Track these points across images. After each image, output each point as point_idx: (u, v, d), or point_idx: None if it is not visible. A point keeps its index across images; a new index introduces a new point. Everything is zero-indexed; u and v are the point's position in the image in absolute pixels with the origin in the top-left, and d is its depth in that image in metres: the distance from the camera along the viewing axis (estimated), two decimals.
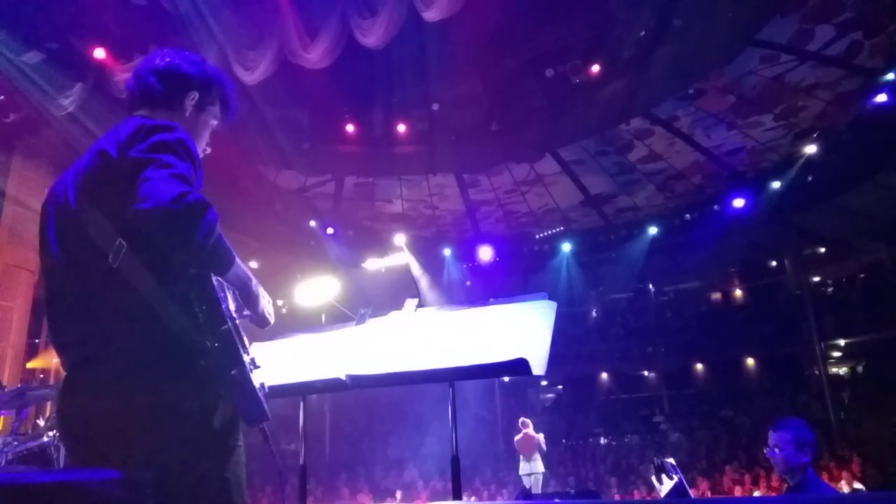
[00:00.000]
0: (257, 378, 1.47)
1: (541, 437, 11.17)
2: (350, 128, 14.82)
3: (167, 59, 1.81)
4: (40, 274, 1.67)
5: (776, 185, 15.30)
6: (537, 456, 11.01)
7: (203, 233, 1.37)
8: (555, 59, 13.69)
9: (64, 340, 1.55)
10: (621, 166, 16.17)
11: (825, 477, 10.70)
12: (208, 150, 1.91)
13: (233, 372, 1.42)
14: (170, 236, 1.36)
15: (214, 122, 1.89)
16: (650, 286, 22.55)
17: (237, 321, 1.50)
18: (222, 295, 1.48)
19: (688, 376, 21.52)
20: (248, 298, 1.63)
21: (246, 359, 1.46)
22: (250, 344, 1.56)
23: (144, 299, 1.42)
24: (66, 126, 11.32)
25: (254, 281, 1.65)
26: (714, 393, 20.29)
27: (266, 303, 1.70)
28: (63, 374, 1.60)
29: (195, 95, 1.80)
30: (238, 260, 1.56)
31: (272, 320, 1.72)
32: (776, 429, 3.20)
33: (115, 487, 1.17)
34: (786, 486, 3.33)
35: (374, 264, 17.81)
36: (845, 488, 10.57)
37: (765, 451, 3.29)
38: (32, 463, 4.24)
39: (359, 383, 2.32)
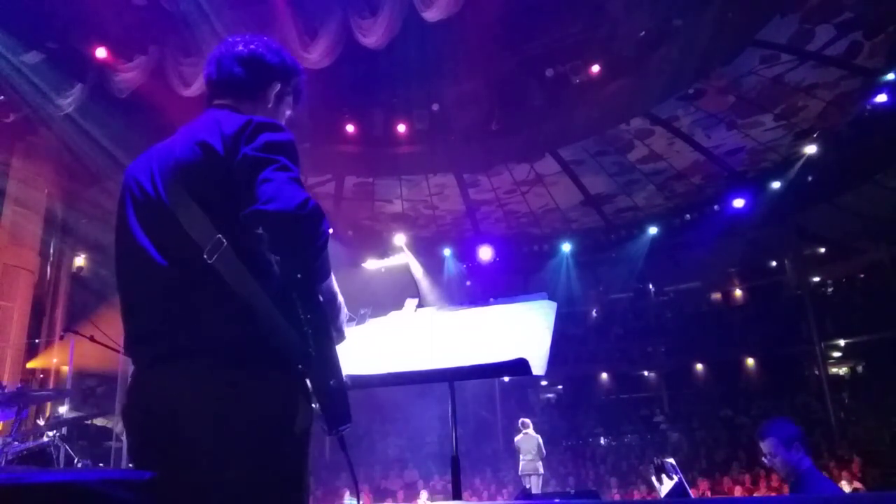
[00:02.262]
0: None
1: (539, 438, 11.18)
2: (350, 128, 14.82)
3: (251, 47, 1.74)
4: (118, 261, 1.61)
5: (776, 185, 15.30)
6: (537, 456, 11.02)
7: (321, 240, 1.38)
8: (555, 59, 13.69)
9: (145, 332, 1.49)
10: (621, 166, 16.18)
11: None
12: None
13: (331, 382, 1.41)
14: (293, 240, 1.35)
15: (289, 113, 1.85)
16: (650, 286, 22.56)
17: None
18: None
19: (688, 376, 21.51)
20: (332, 311, 1.62)
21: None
22: None
23: (243, 298, 1.39)
24: (66, 126, 11.33)
25: (340, 296, 1.66)
26: (714, 393, 20.28)
27: (344, 318, 1.70)
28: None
29: (277, 86, 1.76)
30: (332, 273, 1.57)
31: (345, 337, 1.70)
32: (762, 438, 3.23)
33: (115, 487, 1.17)
34: (788, 483, 3.33)
35: (374, 264, 17.82)
36: (846, 488, 10.56)
37: (763, 459, 3.31)
38: (32, 463, 4.24)
39: (359, 383, 2.32)
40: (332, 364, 1.42)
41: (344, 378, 1.44)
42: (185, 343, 1.42)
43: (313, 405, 1.47)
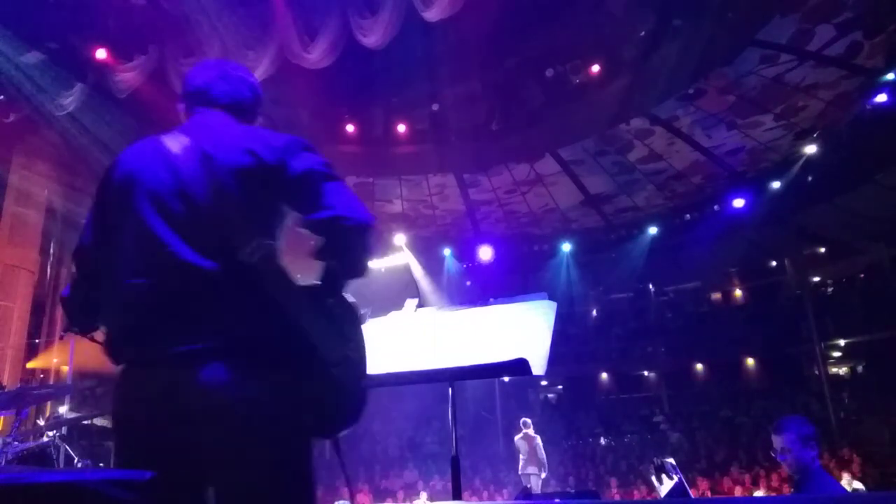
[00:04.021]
0: None
1: (538, 438, 11.16)
2: (350, 128, 14.83)
3: (252, 76, 1.87)
4: (115, 251, 1.55)
5: (776, 185, 15.29)
6: (537, 456, 11.00)
7: (373, 252, 1.55)
8: (555, 59, 13.71)
9: (166, 330, 1.44)
10: (621, 166, 16.17)
11: None
12: None
13: (362, 383, 1.51)
14: (360, 250, 1.53)
15: None
16: (650, 286, 22.55)
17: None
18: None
19: (688, 376, 21.51)
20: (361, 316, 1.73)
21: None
22: None
23: (283, 298, 1.43)
24: (66, 126, 11.33)
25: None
26: (714, 393, 20.28)
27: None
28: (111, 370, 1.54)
29: (260, 118, 1.88)
30: None
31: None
32: (779, 431, 3.22)
33: (115, 487, 1.17)
34: (788, 484, 3.35)
35: (374, 264, 17.81)
36: (846, 488, 10.57)
37: (772, 454, 3.30)
38: (32, 463, 4.24)
39: None
40: (364, 367, 1.53)
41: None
42: (223, 342, 1.41)
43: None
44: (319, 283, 1.51)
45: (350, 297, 1.57)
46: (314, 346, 1.43)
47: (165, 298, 1.46)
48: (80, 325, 1.80)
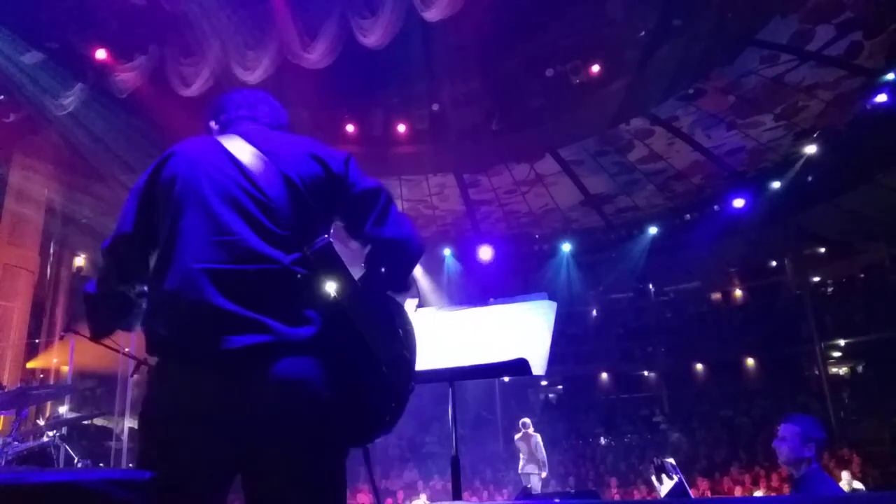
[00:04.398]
0: None
1: (538, 438, 11.16)
2: (350, 128, 14.82)
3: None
4: (187, 244, 1.51)
5: (776, 185, 15.29)
6: (537, 456, 11.00)
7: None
8: (555, 59, 13.69)
9: (239, 322, 1.41)
10: (621, 166, 16.17)
11: None
12: None
13: (410, 385, 1.56)
14: (410, 267, 1.73)
15: None
16: (650, 286, 22.55)
17: None
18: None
19: (688, 376, 21.51)
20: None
21: None
22: None
23: (346, 297, 1.49)
24: (67, 126, 11.33)
25: None
26: (714, 393, 20.28)
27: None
28: (150, 365, 1.52)
29: None
30: None
31: None
32: (786, 421, 3.29)
33: (115, 487, 1.17)
34: (788, 483, 3.38)
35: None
36: (845, 488, 10.57)
37: (773, 442, 3.36)
38: (32, 463, 4.24)
39: None
40: (413, 369, 1.59)
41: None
42: (292, 337, 1.43)
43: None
44: (375, 283, 1.60)
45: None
46: (372, 345, 1.48)
47: (234, 287, 1.44)
48: (99, 324, 1.74)
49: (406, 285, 1.70)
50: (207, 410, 1.39)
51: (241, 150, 1.61)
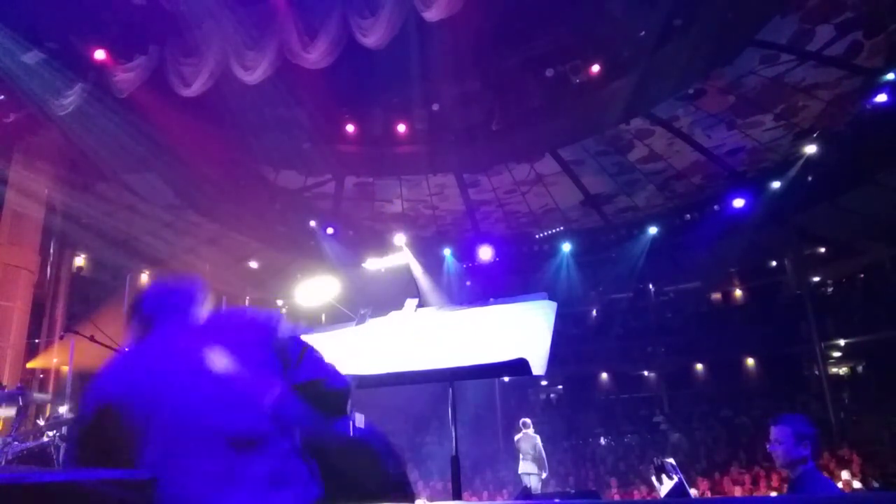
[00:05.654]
0: None
1: (538, 438, 11.16)
2: (350, 128, 14.82)
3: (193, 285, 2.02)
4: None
5: (776, 185, 15.28)
6: (537, 456, 11.00)
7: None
8: (555, 59, 13.70)
9: None
10: (621, 166, 16.17)
11: None
12: None
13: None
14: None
15: None
16: (650, 286, 22.55)
17: None
18: None
19: (688, 376, 21.52)
20: None
21: None
22: None
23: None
24: (67, 126, 11.33)
25: None
26: (714, 393, 20.28)
27: None
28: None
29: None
30: None
31: None
32: (776, 423, 3.28)
33: (115, 487, 1.17)
34: (787, 483, 3.37)
35: (374, 264, 17.79)
36: (845, 488, 10.57)
37: (766, 445, 3.34)
38: (32, 463, 4.24)
39: (359, 383, 2.32)
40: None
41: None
42: None
43: None
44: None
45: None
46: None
47: None
48: None
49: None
50: None
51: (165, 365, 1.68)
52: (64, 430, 5.52)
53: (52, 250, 14.40)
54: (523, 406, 20.47)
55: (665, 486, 4.90)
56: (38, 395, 7.50)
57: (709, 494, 12.08)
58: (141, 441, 1.46)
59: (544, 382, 23.07)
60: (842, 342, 19.09)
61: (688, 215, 17.27)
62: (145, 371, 1.60)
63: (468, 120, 14.91)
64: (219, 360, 1.61)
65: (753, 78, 13.21)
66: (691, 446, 16.76)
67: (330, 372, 1.80)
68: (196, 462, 1.42)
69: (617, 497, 12.94)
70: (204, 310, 1.90)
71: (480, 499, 12.93)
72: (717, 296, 23.48)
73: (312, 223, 16.90)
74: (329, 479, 1.57)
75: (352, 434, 1.73)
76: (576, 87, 13.76)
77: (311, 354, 1.79)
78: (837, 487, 6.74)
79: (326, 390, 1.76)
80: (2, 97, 11.14)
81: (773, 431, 3.26)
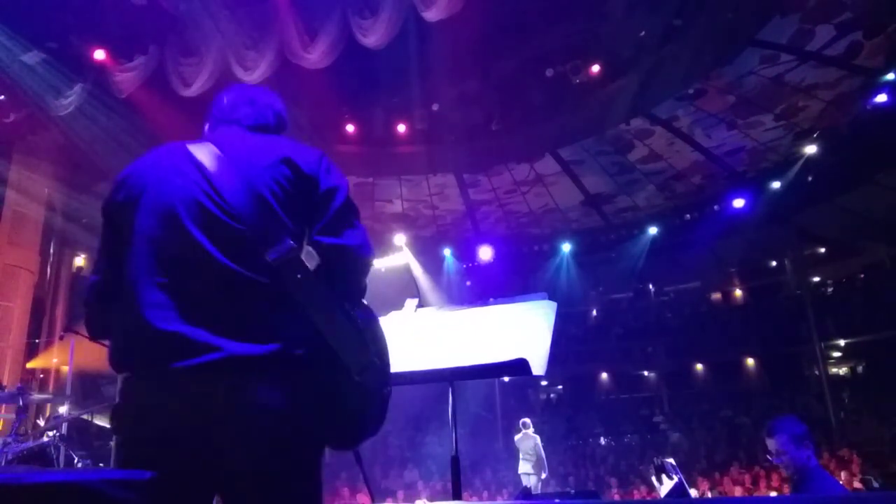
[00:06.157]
0: None
1: (538, 438, 11.16)
2: (350, 128, 14.82)
3: (280, 103, 1.92)
4: (161, 256, 1.49)
5: (776, 185, 15.29)
6: (537, 456, 11.01)
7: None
8: (555, 59, 13.69)
9: (200, 336, 1.38)
10: (621, 166, 16.17)
11: None
12: None
13: (385, 390, 1.54)
14: (360, 277, 1.64)
15: None
16: (650, 286, 22.57)
17: None
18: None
19: (688, 376, 21.53)
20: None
21: None
22: None
23: (313, 306, 1.45)
24: (67, 126, 11.33)
25: None
26: (714, 393, 20.30)
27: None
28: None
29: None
30: None
31: None
32: (771, 434, 3.21)
33: (115, 487, 1.17)
34: (788, 482, 3.33)
35: (374, 264, 17.77)
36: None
37: (767, 457, 3.29)
38: (32, 463, 4.24)
39: None
40: (388, 373, 1.56)
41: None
42: (255, 349, 1.39)
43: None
44: (340, 291, 1.53)
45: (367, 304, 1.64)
46: (340, 353, 1.44)
47: (196, 302, 1.43)
48: (97, 330, 1.73)
49: (360, 292, 1.63)
50: (166, 432, 1.37)
51: (208, 157, 1.58)
52: (64, 430, 5.52)
53: (52, 250, 14.39)
54: (523, 406, 20.47)
55: (665, 486, 4.89)
56: (37, 396, 7.51)
57: (709, 494, 12.08)
58: (135, 208, 1.54)
59: (544, 382, 23.08)
60: (842, 342, 19.11)
61: (688, 215, 17.28)
62: (170, 157, 1.62)
63: (468, 120, 14.91)
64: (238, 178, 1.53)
65: (753, 78, 13.22)
66: (691, 446, 16.77)
67: (364, 242, 1.62)
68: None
69: (617, 497, 12.94)
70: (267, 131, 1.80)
71: (480, 499, 12.93)
72: (717, 296, 23.49)
73: None
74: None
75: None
76: (576, 87, 13.76)
77: (349, 214, 1.61)
78: (842, 486, 6.74)
79: (356, 262, 1.60)
80: (2, 97, 11.14)
81: (772, 444, 3.19)
